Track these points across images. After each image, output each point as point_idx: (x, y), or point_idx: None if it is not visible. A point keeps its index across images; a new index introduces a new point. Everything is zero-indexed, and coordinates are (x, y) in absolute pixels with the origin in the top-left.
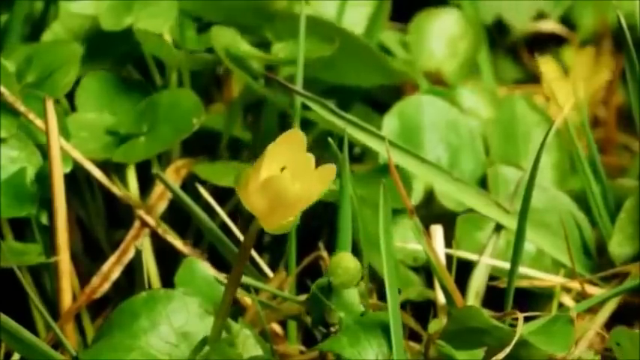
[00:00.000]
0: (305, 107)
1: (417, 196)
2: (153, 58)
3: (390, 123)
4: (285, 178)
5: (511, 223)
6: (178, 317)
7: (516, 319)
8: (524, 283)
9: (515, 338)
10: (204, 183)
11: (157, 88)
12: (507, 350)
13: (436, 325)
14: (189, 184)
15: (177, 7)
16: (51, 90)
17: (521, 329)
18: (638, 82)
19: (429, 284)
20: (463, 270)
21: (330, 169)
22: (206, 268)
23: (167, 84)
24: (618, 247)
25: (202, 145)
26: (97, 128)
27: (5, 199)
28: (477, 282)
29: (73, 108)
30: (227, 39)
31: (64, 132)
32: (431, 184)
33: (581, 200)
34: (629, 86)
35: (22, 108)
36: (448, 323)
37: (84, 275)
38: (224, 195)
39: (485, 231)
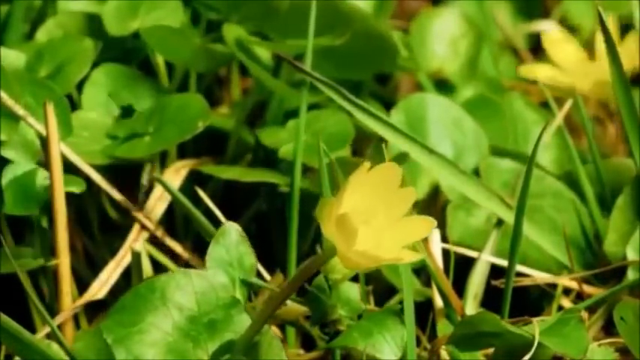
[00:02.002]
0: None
1: (422, 191)
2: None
3: (396, 118)
4: (357, 219)
5: (512, 217)
6: (207, 304)
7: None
8: (526, 281)
9: (535, 344)
10: (203, 184)
11: (163, 87)
12: (528, 356)
13: (442, 329)
14: (189, 187)
15: (182, 9)
16: (62, 85)
17: (529, 329)
18: (623, 86)
19: (427, 283)
20: (462, 259)
21: (429, 221)
22: (241, 240)
23: (174, 84)
24: (613, 246)
25: (206, 148)
26: (99, 129)
27: (12, 197)
28: (476, 282)
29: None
30: (237, 33)
31: (68, 128)
32: (436, 178)
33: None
34: (613, 86)
35: (20, 112)
36: (457, 327)
37: (81, 277)
38: (223, 198)
39: (477, 217)
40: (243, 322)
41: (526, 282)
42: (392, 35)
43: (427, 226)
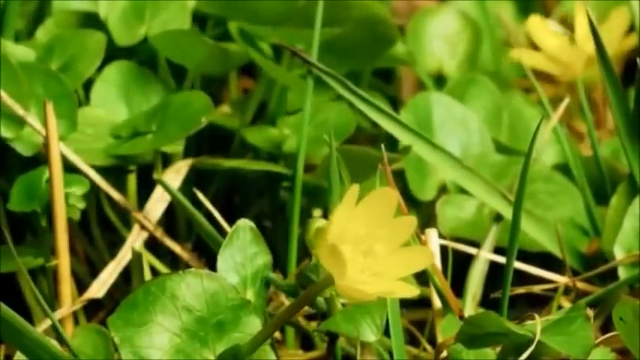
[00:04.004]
0: None
1: (430, 193)
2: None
3: (405, 117)
4: (357, 248)
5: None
6: (216, 305)
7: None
8: (521, 290)
9: (535, 342)
10: (205, 185)
11: (172, 87)
12: (527, 353)
13: (442, 330)
14: (190, 188)
15: (189, 9)
16: (72, 79)
17: (533, 328)
18: (615, 88)
19: (427, 282)
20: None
21: (428, 252)
22: (254, 239)
23: (187, 86)
24: (609, 244)
25: (207, 149)
26: (104, 127)
27: (17, 193)
28: (475, 282)
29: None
30: (240, 26)
31: (73, 124)
32: (444, 178)
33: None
34: (605, 86)
35: (20, 111)
36: (463, 327)
37: (80, 277)
38: (224, 200)
39: (466, 210)
40: (251, 323)
41: (521, 290)
42: (391, 19)
43: (427, 257)
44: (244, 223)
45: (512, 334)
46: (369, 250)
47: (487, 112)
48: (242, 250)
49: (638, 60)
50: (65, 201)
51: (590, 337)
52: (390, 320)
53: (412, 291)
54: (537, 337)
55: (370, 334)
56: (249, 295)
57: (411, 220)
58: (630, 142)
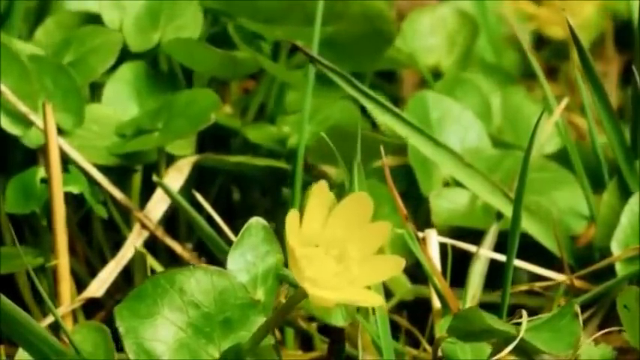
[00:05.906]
0: None
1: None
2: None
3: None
4: (331, 252)
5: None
6: (224, 302)
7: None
8: (522, 287)
9: (518, 339)
10: (206, 187)
11: (181, 87)
12: (508, 350)
13: (442, 330)
14: (193, 187)
15: (202, 13)
16: (84, 74)
17: (526, 325)
18: (597, 87)
19: (424, 280)
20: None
21: (399, 261)
22: (266, 238)
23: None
24: (603, 241)
25: (208, 149)
26: (110, 125)
27: (13, 195)
28: (474, 284)
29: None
30: (239, 23)
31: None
32: (448, 175)
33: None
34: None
35: (23, 108)
36: (452, 323)
37: (80, 276)
38: (225, 201)
39: (459, 202)
40: (259, 322)
41: (522, 288)
42: (391, 15)
43: (396, 265)
44: (257, 222)
45: (498, 332)
46: (341, 255)
47: (477, 105)
48: (254, 248)
49: (633, 67)
50: (90, 201)
51: (576, 332)
52: (378, 317)
53: (379, 300)
54: (520, 335)
55: (340, 319)
56: (260, 293)
57: (385, 226)
58: (615, 135)
